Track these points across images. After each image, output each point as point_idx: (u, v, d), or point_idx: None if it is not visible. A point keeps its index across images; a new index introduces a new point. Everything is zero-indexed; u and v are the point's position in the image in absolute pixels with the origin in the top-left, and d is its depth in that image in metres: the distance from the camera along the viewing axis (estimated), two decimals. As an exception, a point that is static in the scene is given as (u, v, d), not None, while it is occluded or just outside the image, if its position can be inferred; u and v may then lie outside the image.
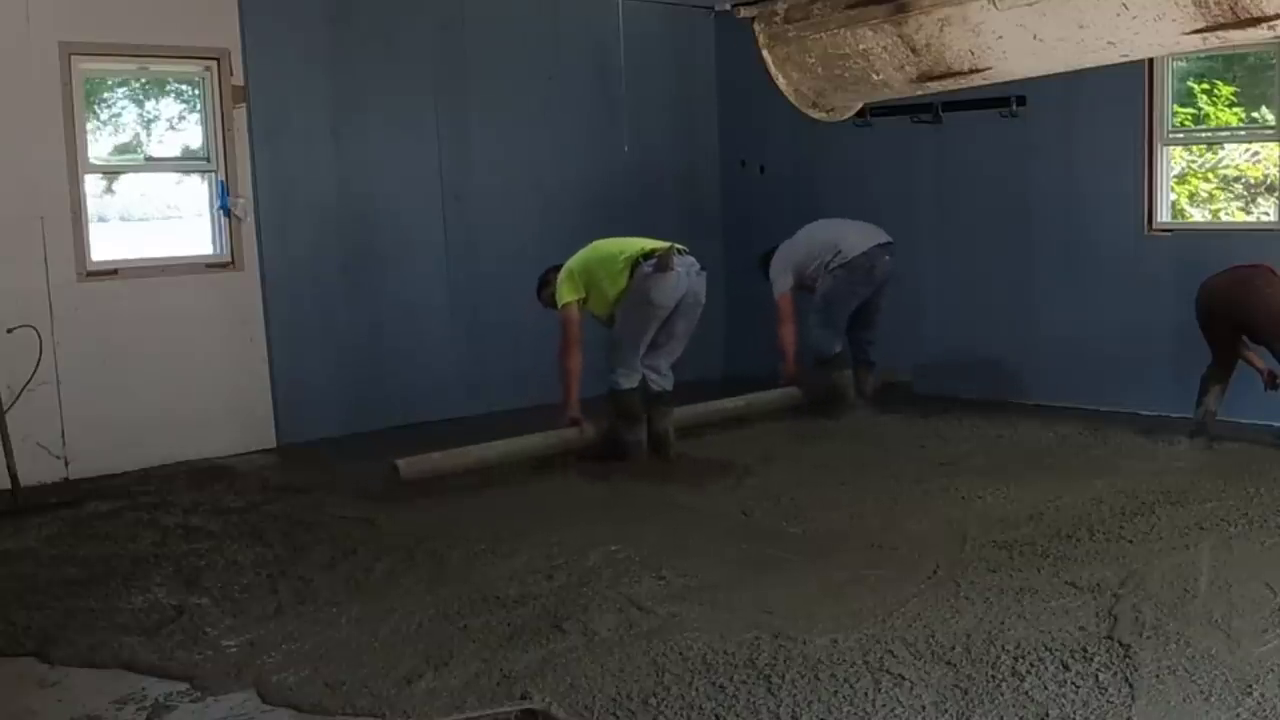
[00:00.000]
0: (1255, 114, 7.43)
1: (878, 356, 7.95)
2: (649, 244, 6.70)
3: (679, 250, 6.68)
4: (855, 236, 7.69)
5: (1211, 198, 7.84)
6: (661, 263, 6.54)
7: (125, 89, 7.32)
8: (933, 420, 7.52)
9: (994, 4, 3.87)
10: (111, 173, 7.21)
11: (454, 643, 4.15)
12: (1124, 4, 3.59)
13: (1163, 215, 7.57)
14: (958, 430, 7.30)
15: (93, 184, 6.95)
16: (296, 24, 7.41)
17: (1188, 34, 3.62)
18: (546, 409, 8.17)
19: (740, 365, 9.05)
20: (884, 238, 7.69)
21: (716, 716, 3.52)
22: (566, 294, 6.70)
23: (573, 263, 6.80)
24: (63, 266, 6.63)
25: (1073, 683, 3.64)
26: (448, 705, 3.68)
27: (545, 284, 6.94)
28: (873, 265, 7.62)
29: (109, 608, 4.61)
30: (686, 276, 6.63)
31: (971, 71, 4.13)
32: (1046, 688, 3.61)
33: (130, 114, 7.39)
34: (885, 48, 4.23)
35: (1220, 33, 3.55)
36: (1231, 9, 3.46)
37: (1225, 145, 7.73)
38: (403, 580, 4.84)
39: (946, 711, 3.49)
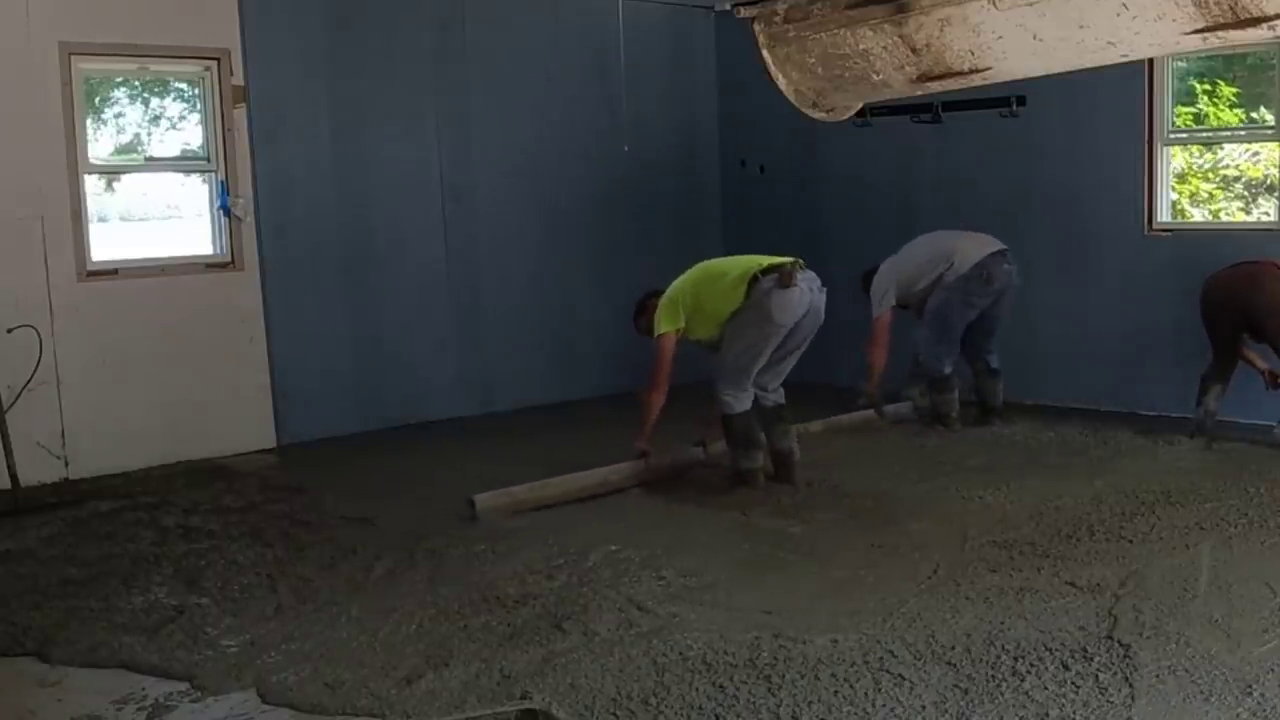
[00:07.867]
0: (1255, 114, 7.43)
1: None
2: (765, 259, 6.13)
3: (800, 265, 6.11)
4: (969, 246, 7.33)
5: (1211, 198, 7.84)
6: (784, 278, 5.96)
7: (125, 89, 7.32)
8: (933, 420, 7.51)
9: (994, 4, 3.88)
10: (111, 173, 7.20)
11: (454, 643, 4.14)
12: (1124, 4, 3.60)
13: (1163, 215, 7.57)
14: (958, 430, 7.29)
15: (93, 184, 6.94)
16: (296, 24, 7.41)
17: (1188, 34, 3.63)
18: (547, 409, 8.23)
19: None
20: (998, 245, 7.27)
21: (716, 716, 3.52)
22: (665, 324, 6.11)
23: (676, 288, 6.22)
24: (63, 266, 6.63)
25: (1073, 683, 3.63)
26: (448, 705, 3.67)
27: (643, 310, 6.33)
28: (990, 275, 7.22)
29: (109, 608, 4.61)
30: (809, 293, 6.05)
31: (971, 71, 4.14)
32: (1046, 688, 3.61)
33: (131, 114, 7.39)
34: (885, 48, 4.23)
35: (1220, 33, 3.56)
36: (1231, 9, 3.47)
37: (1225, 145, 7.73)
38: (403, 580, 4.84)
39: (946, 711, 3.49)
